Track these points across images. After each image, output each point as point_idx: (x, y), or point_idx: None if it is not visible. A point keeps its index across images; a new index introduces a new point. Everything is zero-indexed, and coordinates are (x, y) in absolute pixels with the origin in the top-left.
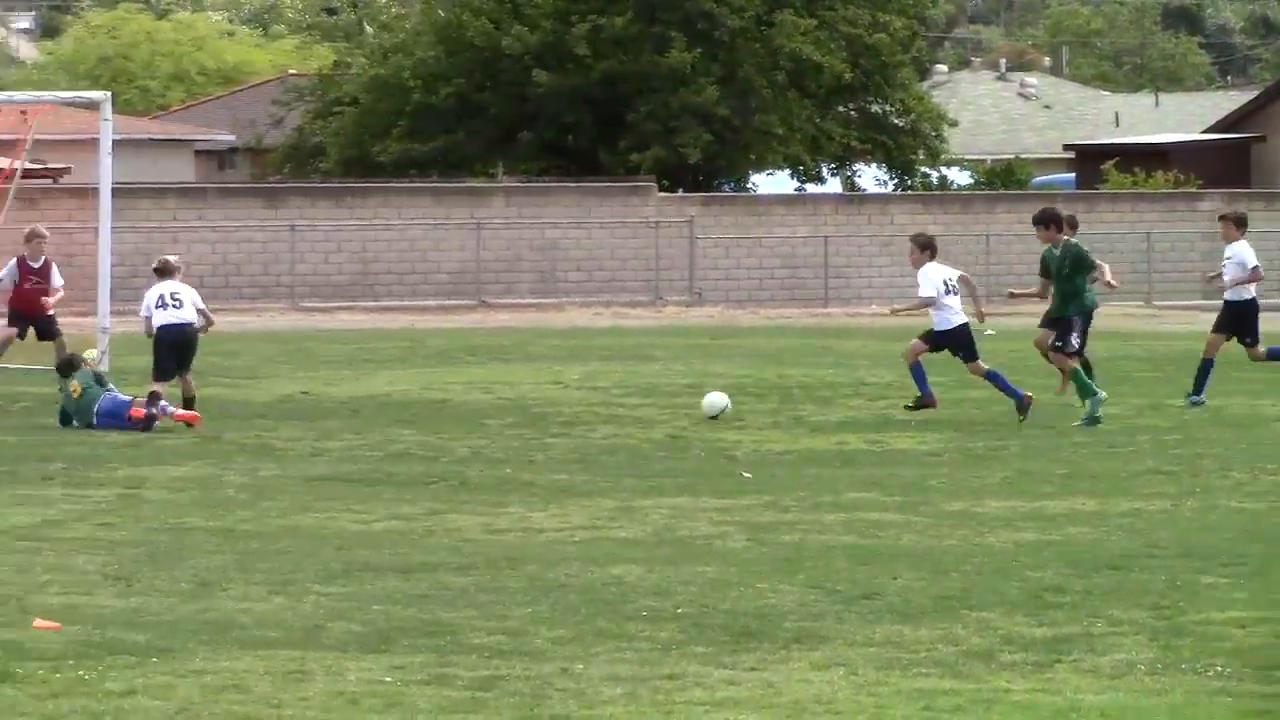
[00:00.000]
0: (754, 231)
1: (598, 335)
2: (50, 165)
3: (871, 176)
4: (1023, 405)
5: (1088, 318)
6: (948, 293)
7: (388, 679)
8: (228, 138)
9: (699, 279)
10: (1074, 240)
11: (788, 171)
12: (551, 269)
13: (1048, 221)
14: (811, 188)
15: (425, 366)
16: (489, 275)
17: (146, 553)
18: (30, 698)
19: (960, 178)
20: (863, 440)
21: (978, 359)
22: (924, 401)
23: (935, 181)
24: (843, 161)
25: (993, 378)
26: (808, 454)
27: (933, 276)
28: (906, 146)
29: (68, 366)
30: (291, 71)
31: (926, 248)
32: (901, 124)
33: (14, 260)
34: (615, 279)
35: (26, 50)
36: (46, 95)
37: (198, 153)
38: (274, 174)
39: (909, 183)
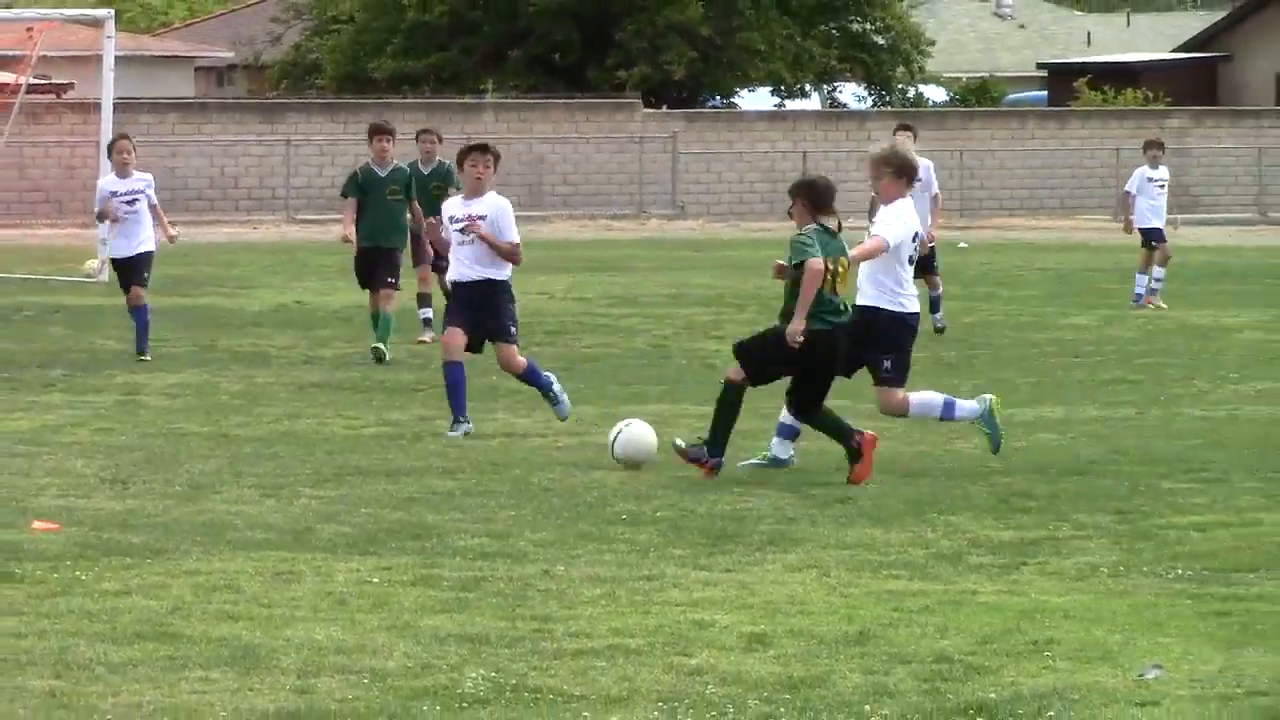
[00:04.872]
0: (735, 147)
1: (583, 247)
2: (54, 81)
3: (851, 93)
4: None
5: None
6: None
7: (375, 579)
8: (226, 55)
9: (682, 193)
10: None
11: (769, 89)
12: (539, 183)
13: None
14: (792, 104)
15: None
16: None
17: (143, 457)
18: (28, 597)
19: (936, 95)
20: None
21: None
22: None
23: (912, 99)
24: (823, 79)
25: None
26: None
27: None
28: (885, 64)
29: None
30: None
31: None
32: (881, 42)
33: None
34: (600, 193)
35: None
36: (51, 12)
37: (197, 69)
38: (272, 90)
39: (887, 99)
